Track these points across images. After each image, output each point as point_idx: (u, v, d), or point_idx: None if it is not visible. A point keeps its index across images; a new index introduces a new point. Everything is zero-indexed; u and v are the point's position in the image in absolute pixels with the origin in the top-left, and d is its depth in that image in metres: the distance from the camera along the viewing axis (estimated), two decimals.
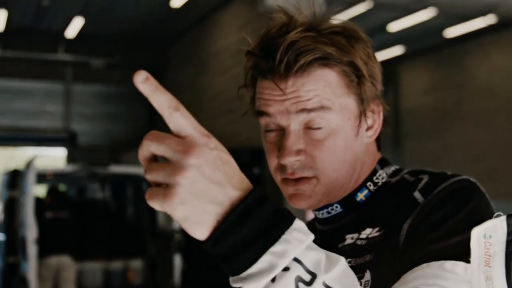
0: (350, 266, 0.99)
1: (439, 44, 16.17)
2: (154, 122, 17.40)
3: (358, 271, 1.03)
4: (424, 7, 12.63)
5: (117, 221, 9.90)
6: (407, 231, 1.01)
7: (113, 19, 14.58)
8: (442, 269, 0.91)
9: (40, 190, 10.31)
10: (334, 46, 1.08)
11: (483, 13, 13.17)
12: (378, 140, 1.21)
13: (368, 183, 1.17)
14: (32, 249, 7.54)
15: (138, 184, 9.55)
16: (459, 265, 0.91)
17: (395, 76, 18.34)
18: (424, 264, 0.93)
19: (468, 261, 0.90)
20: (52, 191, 8.34)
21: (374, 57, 1.16)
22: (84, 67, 16.54)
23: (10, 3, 13.14)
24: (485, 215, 0.97)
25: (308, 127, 1.09)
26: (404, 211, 1.04)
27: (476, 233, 0.89)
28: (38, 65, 16.24)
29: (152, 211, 8.93)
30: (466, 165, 15.03)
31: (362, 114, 1.12)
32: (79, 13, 13.82)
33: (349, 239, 1.11)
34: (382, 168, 1.19)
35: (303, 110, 1.07)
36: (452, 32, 14.93)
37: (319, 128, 1.08)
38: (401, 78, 18.16)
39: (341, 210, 1.16)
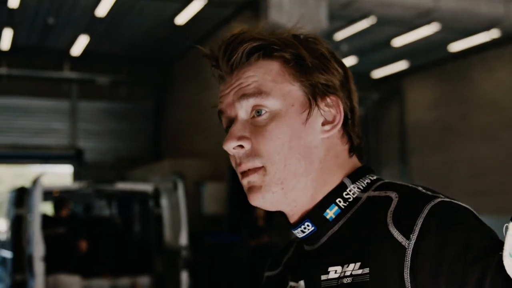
0: None
1: (443, 58, 16.21)
2: (160, 139, 17.45)
3: None
4: (428, 22, 12.67)
5: (123, 238, 9.90)
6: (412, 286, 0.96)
7: (118, 36, 14.67)
8: None
9: (46, 207, 10.33)
10: (276, 39, 1.12)
11: (487, 27, 13.20)
12: (353, 146, 1.17)
13: (338, 199, 1.12)
14: (39, 267, 7.54)
15: (145, 201, 9.56)
16: None
17: (400, 91, 18.36)
18: None
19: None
20: (61, 203, 8.35)
21: (334, 58, 1.15)
22: (90, 85, 16.62)
23: (16, 21, 13.25)
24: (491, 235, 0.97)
25: (253, 115, 1.10)
26: (390, 254, 0.98)
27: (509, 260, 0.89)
28: (44, 83, 16.33)
29: (159, 228, 8.93)
30: (471, 180, 15.00)
31: (311, 102, 1.10)
32: (84, 31, 13.92)
33: (333, 272, 1.07)
34: (353, 181, 1.14)
35: (243, 95, 1.10)
36: (456, 46, 14.96)
37: (262, 115, 1.09)
38: (406, 93, 18.19)
39: (313, 228, 1.12)
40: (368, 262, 1.01)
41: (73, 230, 8.22)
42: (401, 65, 17.17)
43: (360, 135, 1.18)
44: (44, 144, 16.60)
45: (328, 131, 1.12)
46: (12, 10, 12.26)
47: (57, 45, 15.27)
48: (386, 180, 1.14)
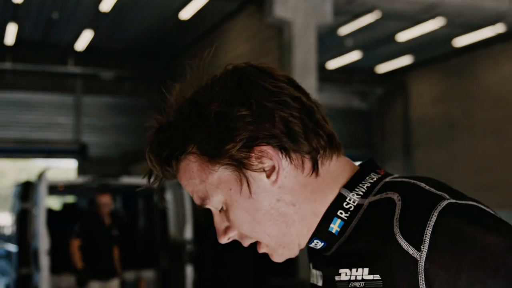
0: None
1: (448, 53, 16.18)
2: None
3: None
4: (433, 16, 12.65)
5: (128, 233, 9.92)
6: None
7: (122, 31, 14.67)
8: None
9: (52, 202, 10.36)
10: (173, 140, 1.09)
11: (491, 22, 13.17)
12: (314, 164, 1.08)
13: (339, 211, 1.09)
14: (44, 261, 7.57)
15: (149, 196, 9.58)
16: None
17: (404, 86, 18.35)
18: None
19: None
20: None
21: (242, 99, 1.06)
22: (94, 79, 16.64)
23: (21, 16, 13.26)
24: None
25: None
26: (401, 265, 0.97)
27: None
28: (48, 77, 16.35)
29: (164, 222, 8.94)
30: (475, 175, 14.99)
31: (241, 173, 1.06)
32: (88, 26, 13.92)
33: (344, 274, 1.07)
34: (352, 189, 1.10)
35: (199, 205, 1.12)
36: (461, 41, 14.94)
37: (220, 209, 1.11)
38: (410, 88, 18.17)
39: (323, 244, 1.11)
40: (377, 269, 1.01)
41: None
42: (405, 60, 17.15)
43: (321, 130, 1.09)
44: (48, 138, 16.63)
45: (276, 180, 1.06)
46: (17, 5, 12.27)
47: (61, 40, 15.29)
48: (388, 179, 1.10)
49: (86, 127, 16.86)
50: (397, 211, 1.00)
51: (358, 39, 14.86)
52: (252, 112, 1.04)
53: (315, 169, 1.08)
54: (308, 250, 1.23)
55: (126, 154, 16.68)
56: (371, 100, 19.15)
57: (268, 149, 1.04)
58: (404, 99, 18.35)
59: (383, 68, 18.03)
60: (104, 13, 12.77)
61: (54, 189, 8.66)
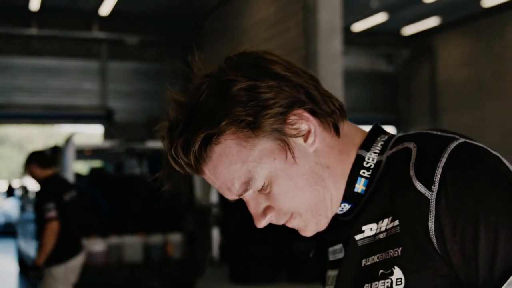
0: (378, 262, 1.07)
1: (477, 14, 15.87)
2: None
3: (386, 267, 1.05)
4: None
5: (155, 196, 10.02)
6: (437, 237, 0.99)
7: None
8: None
9: (79, 166, 10.47)
10: (205, 121, 1.06)
11: None
12: (334, 124, 1.14)
13: (362, 171, 1.13)
14: None
15: None
16: None
17: (431, 48, 18.09)
18: None
19: None
20: None
21: (265, 74, 1.09)
22: (119, 45, 16.65)
23: None
24: None
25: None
26: (415, 206, 1.01)
27: None
28: (74, 43, 16.40)
29: (190, 186, 9.00)
30: (504, 138, 14.82)
31: (283, 141, 1.08)
32: None
33: (368, 230, 1.10)
34: (368, 149, 1.14)
35: (240, 194, 1.11)
36: (490, 1, 14.63)
37: (263, 187, 1.10)
38: (437, 50, 17.91)
39: (350, 206, 1.15)
40: (397, 215, 1.04)
41: None
42: (432, 22, 16.87)
43: (328, 98, 1.13)
44: (75, 104, 16.76)
45: (314, 141, 1.11)
46: None
47: (86, 5, 15.28)
48: (399, 134, 1.15)
49: (112, 92, 16.94)
50: (413, 157, 1.05)
51: (384, 1, 14.63)
52: (278, 82, 1.08)
53: (337, 130, 1.14)
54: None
55: (151, 119, 16.75)
56: (397, 63, 18.93)
57: (303, 113, 1.09)
58: (431, 62, 18.10)
59: (409, 30, 17.77)
60: None
61: (81, 154, 8.76)
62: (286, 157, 1.08)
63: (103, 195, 9.46)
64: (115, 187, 9.78)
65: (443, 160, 1.00)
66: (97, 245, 8.28)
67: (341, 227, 1.16)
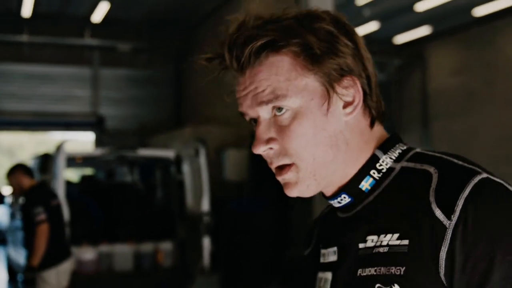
0: (376, 275, 1.06)
1: (468, 23, 15.94)
2: (180, 105, 17.47)
3: (385, 282, 1.04)
4: None
5: (146, 204, 9.98)
6: (446, 266, 0.99)
7: (139, 3, 14.62)
8: None
9: (70, 174, 10.43)
10: (280, 30, 1.08)
11: None
12: (373, 118, 1.17)
13: (372, 171, 1.14)
14: None
15: (167, 167, 9.61)
16: None
17: (423, 56, 18.14)
18: None
19: None
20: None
21: (339, 29, 1.12)
22: (111, 52, 16.63)
23: None
24: None
25: (275, 114, 1.11)
26: (430, 231, 1.00)
27: None
28: (66, 50, 16.37)
29: (181, 194, 8.98)
30: (494, 147, 14.86)
31: (329, 91, 1.10)
32: None
33: (370, 241, 1.10)
34: (385, 152, 1.15)
35: (261, 102, 1.10)
36: (481, 11, 14.70)
37: (283, 113, 1.10)
38: (429, 59, 17.96)
39: (350, 199, 1.15)
40: (407, 234, 1.04)
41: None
42: (424, 30, 16.93)
43: (379, 99, 1.17)
44: (66, 111, 16.71)
45: (351, 113, 1.12)
46: None
47: (78, 12, 15.26)
48: (417, 150, 1.16)
49: (103, 99, 16.91)
50: (434, 182, 1.04)
51: (376, 9, 14.68)
52: (353, 48, 1.12)
53: (373, 122, 1.16)
54: (320, 231, 1.25)
55: (143, 126, 16.73)
56: (389, 71, 18.97)
57: (358, 83, 1.12)
58: (422, 70, 18.15)
59: (401, 38, 17.83)
60: None
61: (72, 162, 8.71)
62: (322, 105, 1.09)
63: (94, 203, 9.42)
64: (106, 194, 9.75)
65: (466, 192, 0.99)
66: (87, 254, 8.24)
67: (344, 229, 1.16)
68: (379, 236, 1.08)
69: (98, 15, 15.00)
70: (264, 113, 1.11)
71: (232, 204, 10.30)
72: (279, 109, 1.10)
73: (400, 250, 1.04)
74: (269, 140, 1.11)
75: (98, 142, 16.42)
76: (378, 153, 1.15)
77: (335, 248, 1.18)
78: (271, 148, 1.11)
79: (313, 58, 1.08)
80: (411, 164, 1.11)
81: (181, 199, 9.00)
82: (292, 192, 1.14)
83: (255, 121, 1.14)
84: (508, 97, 14.89)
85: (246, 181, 11.18)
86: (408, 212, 1.05)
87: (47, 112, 16.51)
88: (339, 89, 1.10)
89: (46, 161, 8.92)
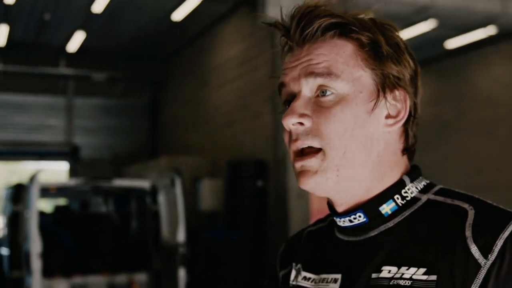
0: None
1: (440, 55, 16.21)
2: (156, 135, 17.42)
3: None
4: (425, 18, 12.67)
5: (121, 235, 9.88)
6: None
7: (114, 33, 14.62)
8: None
9: (43, 204, 10.31)
10: (355, 20, 1.09)
11: (483, 24, 13.20)
12: (408, 146, 1.15)
13: (396, 196, 1.09)
14: (36, 264, 7.52)
15: (142, 198, 9.55)
16: None
17: None
18: None
19: None
20: None
21: (407, 50, 1.13)
22: (86, 81, 16.58)
23: (12, 17, 13.20)
24: None
25: (318, 95, 1.07)
26: (462, 267, 0.97)
27: None
28: (40, 79, 16.28)
29: (156, 225, 8.91)
30: (468, 177, 15.02)
31: (380, 93, 1.07)
32: (80, 27, 13.87)
33: (386, 271, 1.03)
34: (412, 181, 1.12)
35: (311, 73, 1.06)
36: (453, 43, 14.97)
37: (327, 95, 1.06)
38: None
39: (365, 220, 1.09)
40: (437, 270, 0.99)
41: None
42: None
43: (417, 135, 1.17)
44: (40, 140, 16.56)
45: (391, 125, 1.10)
46: (8, 6, 12.21)
47: (53, 41, 15.22)
48: (441, 186, 1.12)
49: (78, 129, 16.80)
50: (471, 218, 1.00)
51: None
52: (413, 70, 1.15)
53: (406, 149, 1.15)
54: (305, 252, 1.19)
55: (118, 156, 16.63)
56: None
57: (408, 101, 1.11)
58: None
59: None
60: (96, 15, 12.72)
61: (46, 192, 8.61)
62: (368, 103, 1.07)
63: (67, 234, 9.31)
64: (80, 225, 9.65)
65: (506, 233, 0.96)
66: (60, 285, 8.12)
67: (350, 254, 1.10)
68: (399, 268, 1.02)
69: (73, 44, 14.98)
70: (307, 89, 1.07)
71: (208, 234, 10.26)
72: (324, 91, 1.06)
73: (428, 285, 0.98)
74: (303, 115, 1.06)
75: (72, 172, 16.26)
76: (406, 179, 1.11)
77: (337, 276, 1.10)
78: (302, 124, 1.06)
79: (376, 55, 1.07)
80: (439, 198, 1.08)
81: (156, 229, 8.94)
82: (307, 183, 1.06)
83: (289, 103, 1.10)
84: (480, 127, 15.11)
85: (221, 211, 11.15)
86: (437, 245, 1.00)
87: (21, 141, 16.35)
88: (389, 97, 1.09)
89: (19, 191, 8.82)
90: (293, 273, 1.19)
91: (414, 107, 1.14)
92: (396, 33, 1.12)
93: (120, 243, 9.44)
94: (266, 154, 10.10)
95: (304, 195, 9.50)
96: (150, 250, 9.08)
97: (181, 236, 8.43)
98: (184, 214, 8.60)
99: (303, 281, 1.17)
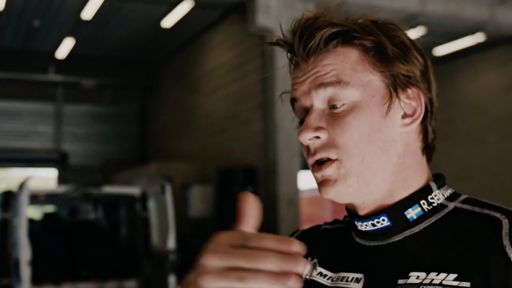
0: None
1: None
2: (146, 141, 17.40)
3: None
4: (414, 26, 12.75)
5: (110, 242, 9.85)
6: None
7: (104, 39, 14.60)
8: None
9: (32, 211, 10.26)
10: (355, 25, 1.08)
11: (471, 31, 13.31)
12: (427, 143, 1.14)
13: (422, 201, 1.08)
14: (25, 271, 7.48)
15: (131, 204, 9.52)
16: None
17: None
18: None
19: None
20: None
21: (413, 46, 1.11)
22: (75, 88, 16.54)
23: (1, 24, 13.16)
24: None
25: (330, 106, 1.06)
26: (501, 275, 0.95)
27: None
28: (29, 86, 16.22)
29: (146, 231, 8.89)
30: (456, 183, 15.07)
31: (392, 95, 1.06)
32: (69, 34, 13.85)
33: (414, 277, 1.01)
34: (439, 187, 1.11)
35: (320, 84, 1.05)
36: (441, 50, 15.07)
37: (339, 105, 1.05)
38: None
39: (389, 224, 1.07)
40: (468, 276, 0.97)
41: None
42: None
43: (435, 132, 1.16)
44: (29, 147, 16.48)
45: (408, 124, 1.09)
46: None
47: (42, 48, 15.18)
48: (466, 195, 1.12)
49: (67, 135, 16.75)
50: (506, 227, 0.98)
51: None
52: (423, 65, 1.11)
53: (427, 147, 1.14)
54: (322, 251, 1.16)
55: (107, 163, 16.58)
56: None
57: (422, 97, 1.10)
58: None
59: None
60: (86, 21, 12.71)
61: (35, 199, 8.58)
62: (382, 106, 1.06)
63: (56, 241, 9.27)
64: (69, 232, 9.61)
65: None
66: None
67: (373, 258, 1.08)
68: (428, 274, 1.00)
69: (62, 51, 14.95)
70: (319, 101, 1.07)
71: (198, 241, 10.24)
72: (334, 105, 1.05)
73: None
74: (318, 128, 1.05)
75: (61, 179, 16.20)
76: (433, 185, 1.10)
77: (359, 275, 1.08)
78: (318, 138, 1.06)
79: (383, 57, 1.06)
80: (467, 207, 1.07)
81: (146, 236, 8.92)
82: (328, 192, 1.05)
83: (302, 122, 1.10)
84: (468, 135, 15.20)
85: (212, 217, 11.14)
86: (468, 252, 0.99)
87: (10, 148, 16.27)
88: (402, 96, 1.07)
89: (8, 198, 8.78)
90: (308, 266, 1.18)
91: (430, 102, 1.13)
92: (401, 32, 1.10)
93: (109, 250, 9.40)
94: (256, 160, 10.11)
95: (294, 202, 9.52)
96: (140, 257, 9.05)
97: (171, 243, 8.41)
98: (174, 220, 8.59)
99: (318, 276, 1.15)
